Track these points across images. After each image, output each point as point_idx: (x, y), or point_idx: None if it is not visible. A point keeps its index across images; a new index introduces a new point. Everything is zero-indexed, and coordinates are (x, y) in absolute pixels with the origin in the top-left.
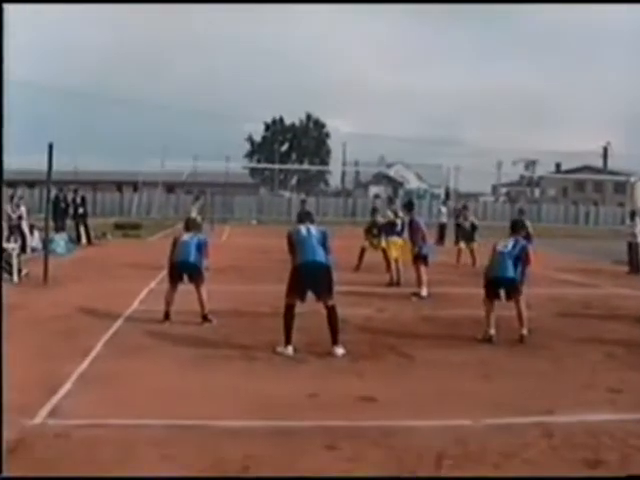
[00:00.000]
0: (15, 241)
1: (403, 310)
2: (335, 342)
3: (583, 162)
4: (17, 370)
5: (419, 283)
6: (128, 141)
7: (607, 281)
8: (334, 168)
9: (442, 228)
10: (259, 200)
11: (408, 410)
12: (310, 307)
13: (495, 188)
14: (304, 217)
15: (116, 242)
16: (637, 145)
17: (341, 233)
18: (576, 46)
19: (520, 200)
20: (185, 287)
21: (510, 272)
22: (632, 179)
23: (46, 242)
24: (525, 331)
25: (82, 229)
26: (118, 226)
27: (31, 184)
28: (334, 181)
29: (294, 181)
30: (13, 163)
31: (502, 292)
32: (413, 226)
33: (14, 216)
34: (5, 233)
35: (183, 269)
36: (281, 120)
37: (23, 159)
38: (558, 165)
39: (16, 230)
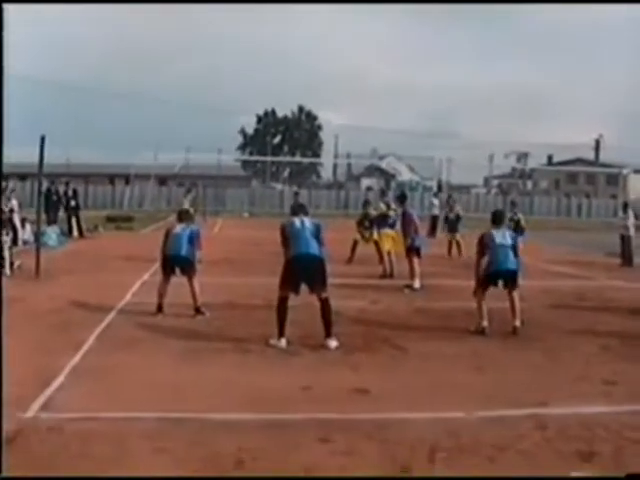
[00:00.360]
0: (7, 234)
1: (396, 302)
2: (328, 335)
3: (575, 154)
4: (9, 363)
5: (412, 275)
6: (120, 134)
7: (600, 273)
8: (326, 160)
9: (434, 220)
10: (251, 192)
11: (402, 402)
12: (303, 300)
13: (487, 180)
14: (298, 209)
15: (108, 235)
16: (629, 138)
17: (333, 225)
18: (570, 41)
19: (512, 192)
20: (178, 279)
21: (513, 264)
22: (625, 171)
23: (38, 235)
24: (518, 323)
25: (74, 222)
26: (110, 219)
27: (23, 177)
28: (326, 173)
29: (286, 173)
30: (5, 155)
31: (500, 283)
32: (406, 218)
33: (6, 209)
34: None
35: (175, 262)
36: (273, 112)
37: (14, 151)
38: (550, 157)
39: (7, 223)
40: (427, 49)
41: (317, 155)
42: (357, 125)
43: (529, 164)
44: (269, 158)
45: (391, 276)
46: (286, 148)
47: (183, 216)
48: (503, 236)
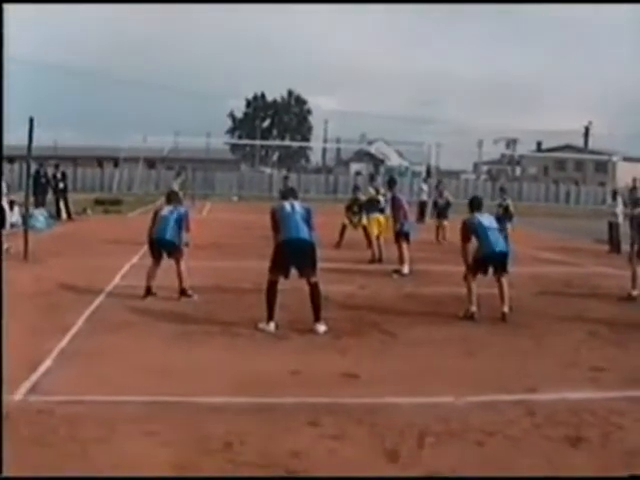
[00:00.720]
0: None
1: (385, 287)
2: (317, 319)
3: (564, 141)
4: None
5: (401, 260)
6: (109, 117)
7: (588, 260)
8: (315, 145)
9: (422, 205)
10: (240, 176)
11: (390, 387)
12: (292, 284)
13: (476, 166)
14: (288, 193)
15: (96, 218)
16: (618, 125)
17: (322, 210)
18: (559, 28)
19: (501, 178)
20: (169, 263)
21: (504, 246)
22: (614, 158)
23: (26, 217)
24: (507, 309)
25: (62, 204)
26: (98, 202)
27: (10, 159)
28: (315, 158)
29: (275, 157)
30: None
31: (491, 268)
32: (395, 203)
33: None
34: None
35: (160, 246)
36: (262, 96)
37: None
38: (539, 144)
39: None
40: (417, 35)
41: (306, 139)
42: (346, 110)
43: (518, 150)
44: (258, 142)
45: (380, 261)
46: (275, 132)
47: (172, 197)
48: (489, 220)
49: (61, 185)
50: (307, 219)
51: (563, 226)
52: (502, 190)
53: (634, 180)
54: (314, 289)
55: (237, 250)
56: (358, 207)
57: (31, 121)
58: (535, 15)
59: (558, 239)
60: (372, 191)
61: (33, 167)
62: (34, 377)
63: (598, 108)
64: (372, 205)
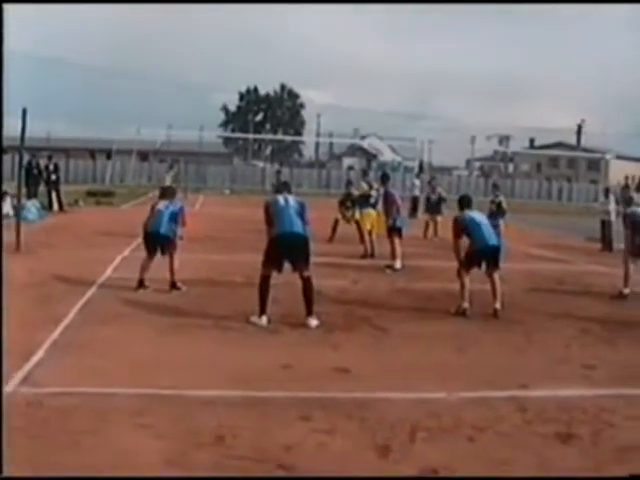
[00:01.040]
0: None
1: (377, 282)
2: (309, 313)
3: (557, 139)
4: None
5: (393, 255)
6: (102, 109)
7: (580, 258)
8: (308, 139)
9: (415, 201)
10: (232, 170)
11: (382, 382)
12: (284, 278)
13: (469, 162)
14: (282, 187)
15: (88, 210)
16: (611, 124)
17: (315, 204)
18: (554, 26)
19: (493, 175)
20: (161, 256)
21: (497, 241)
22: (607, 156)
23: (18, 208)
24: (499, 305)
25: (54, 196)
26: (90, 193)
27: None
28: (308, 152)
29: (268, 151)
30: None
31: (484, 263)
32: (388, 198)
33: None
34: None
35: (154, 240)
36: (255, 90)
37: None
38: (532, 141)
39: None
40: (412, 31)
41: (299, 134)
42: (339, 104)
43: (511, 147)
44: (251, 136)
45: (372, 256)
46: (268, 126)
47: (166, 192)
48: (480, 216)
49: (53, 177)
50: (301, 213)
51: (555, 223)
52: (495, 187)
53: (626, 178)
54: (307, 283)
55: (229, 243)
56: (351, 202)
57: (24, 112)
58: (529, 13)
59: (550, 236)
60: (365, 186)
61: (25, 158)
62: (26, 368)
63: (591, 106)
64: (365, 200)
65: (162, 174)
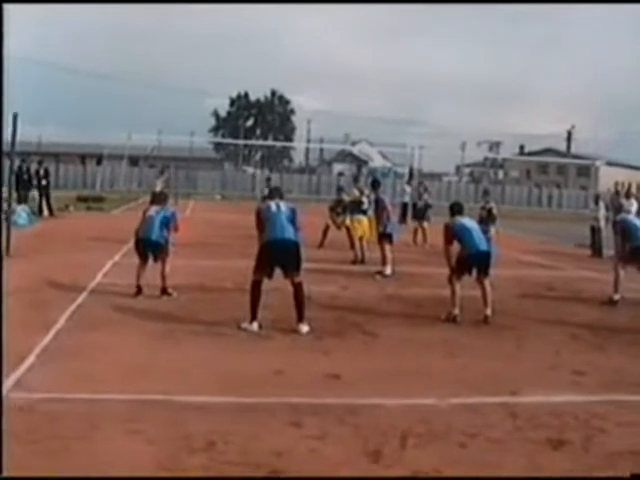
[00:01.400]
0: None
1: (367, 288)
2: (300, 319)
3: (547, 145)
4: None
5: (383, 261)
6: (93, 114)
7: (570, 264)
8: (298, 145)
9: (405, 207)
10: (223, 175)
11: (373, 388)
12: (275, 284)
13: (459, 168)
14: (274, 193)
15: (79, 215)
16: (601, 130)
17: (305, 210)
18: (542, 30)
19: (483, 181)
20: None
21: (488, 246)
22: (597, 163)
23: (8, 213)
24: (489, 312)
25: (44, 201)
26: (81, 199)
27: None
28: (298, 158)
29: (258, 157)
30: None
31: (475, 270)
32: (379, 204)
33: None
34: None
35: (145, 246)
36: (246, 95)
37: None
38: (522, 147)
39: None
40: (395, 31)
41: (289, 139)
42: (330, 110)
43: (501, 153)
44: (241, 141)
45: (362, 262)
46: (258, 131)
47: (157, 198)
48: (471, 222)
49: (44, 182)
50: (292, 219)
51: (545, 230)
52: (485, 193)
53: (616, 185)
54: (298, 289)
55: (220, 249)
56: (342, 208)
57: (15, 117)
58: (520, 19)
59: (540, 242)
60: (356, 192)
61: (16, 163)
62: (17, 374)
63: (581, 112)
64: (356, 206)
65: (153, 179)
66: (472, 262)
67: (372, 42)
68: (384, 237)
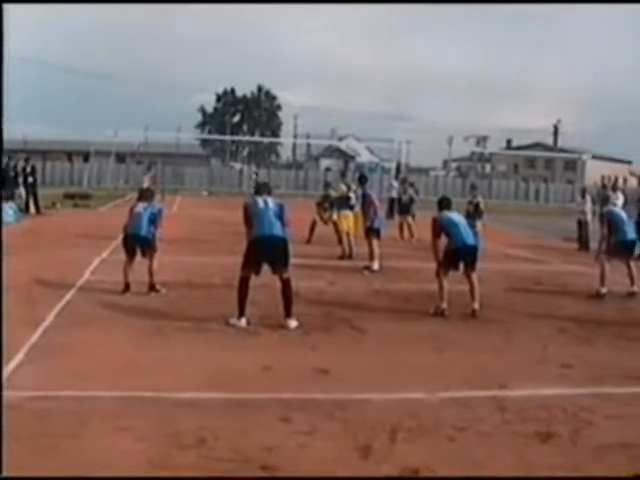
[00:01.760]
0: None
1: (355, 283)
2: (288, 315)
3: (534, 139)
4: None
5: (371, 257)
6: (79, 110)
7: (557, 257)
8: (285, 140)
9: (392, 202)
10: (210, 171)
11: (362, 383)
12: (262, 280)
13: (446, 163)
14: (262, 188)
15: (66, 212)
16: (587, 124)
17: (292, 206)
18: (531, 27)
19: (470, 175)
20: (140, 258)
21: (474, 240)
22: (584, 157)
23: None
24: (477, 306)
25: (31, 198)
26: (68, 196)
27: None
28: (285, 153)
29: (245, 153)
30: None
31: (462, 264)
32: (366, 200)
33: None
34: None
35: (134, 241)
36: (232, 91)
37: None
38: (509, 141)
39: None
40: (389, 32)
41: (276, 135)
42: (317, 106)
43: (488, 148)
44: (228, 137)
45: (350, 257)
46: (245, 127)
47: (144, 194)
48: (458, 217)
49: (30, 179)
50: (280, 215)
51: (533, 224)
52: (473, 187)
53: (602, 178)
54: (286, 285)
55: (208, 246)
56: (329, 203)
57: None
58: (506, 13)
59: (528, 236)
60: (344, 187)
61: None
62: (5, 372)
63: (568, 107)
64: (343, 202)
65: (140, 176)
66: (459, 256)
67: (359, 37)
68: (371, 232)
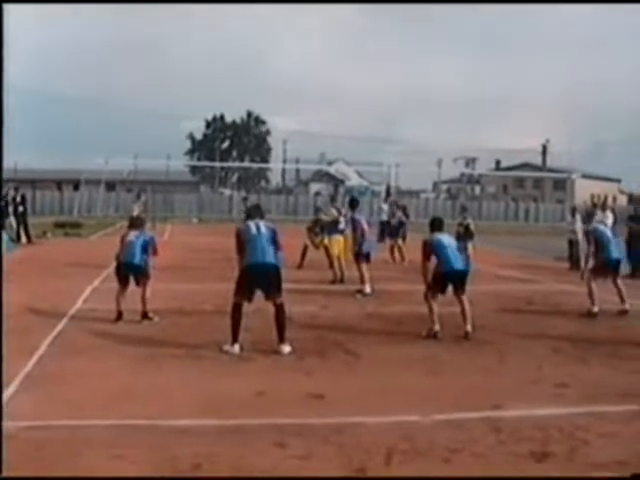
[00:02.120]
0: None
1: (347, 307)
2: (282, 340)
3: (523, 159)
4: None
5: (362, 280)
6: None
7: (549, 277)
8: (274, 166)
9: (383, 225)
10: (200, 198)
11: (356, 406)
12: (255, 305)
13: (436, 185)
14: (254, 212)
15: (57, 241)
16: (576, 143)
17: (283, 231)
18: (516, 44)
19: (460, 197)
20: (134, 286)
21: (463, 265)
22: (573, 176)
23: None
24: (470, 327)
25: (22, 228)
26: (58, 225)
27: None
28: (275, 179)
29: (235, 179)
30: None
31: (450, 287)
32: (354, 224)
33: None
34: None
35: (128, 270)
36: (222, 118)
37: None
38: (498, 162)
39: None
40: (369, 48)
41: (265, 160)
42: (306, 130)
43: (477, 169)
44: (217, 164)
45: (341, 281)
46: (235, 153)
47: (134, 223)
48: (449, 239)
49: (20, 208)
50: (273, 239)
51: (523, 244)
52: (463, 209)
53: (592, 197)
54: (279, 310)
55: (199, 273)
56: (320, 228)
57: None
58: (494, 35)
59: (519, 257)
60: (335, 212)
61: None
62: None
63: (556, 126)
64: (333, 226)
65: (130, 204)
66: (447, 279)
67: (346, 61)
68: (360, 256)
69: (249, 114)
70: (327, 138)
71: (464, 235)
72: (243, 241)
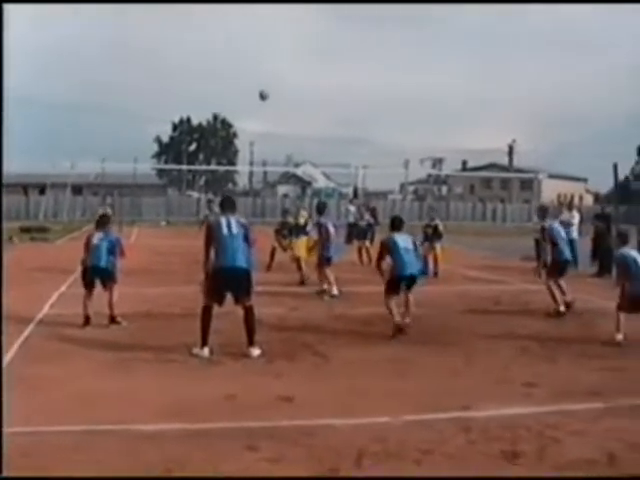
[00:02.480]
0: None
1: (316, 309)
2: (251, 343)
3: (490, 160)
4: None
5: (328, 283)
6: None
7: (516, 277)
8: (242, 168)
9: (351, 227)
10: (167, 201)
11: (326, 409)
12: (224, 308)
13: (403, 186)
14: (225, 205)
15: (23, 246)
16: (542, 143)
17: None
18: (482, 45)
19: (428, 198)
20: (98, 290)
21: (416, 269)
22: (540, 176)
23: None
24: (409, 320)
25: None
26: (24, 229)
27: None
28: (242, 181)
29: (202, 182)
30: None
31: (403, 286)
32: (320, 229)
33: None
34: None
35: (94, 273)
36: (188, 120)
37: None
38: (465, 163)
39: None
40: (336, 49)
41: (232, 163)
42: (272, 132)
43: (444, 170)
44: (184, 167)
45: (302, 283)
46: (202, 156)
47: (99, 222)
48: (406, 241)
49: None
50: (245, 236)
51: (490, 244)
52: (431, 209)
53: (559, 196)
54: (249, 313)
55: (167, 276)
56: (288, 230)
57: None
58: (462, 34)
59: (486, 257)
60: (305, 214)
61: None
62: None
63: (522, 126)
64: (300, 228)
65: (96, 207)
66: (400, 282)
67: (313, 61)
68: (322, 261)
69: (215, 117)
70: (294, 140)
71: (432, 236)
72: (212, 237)
